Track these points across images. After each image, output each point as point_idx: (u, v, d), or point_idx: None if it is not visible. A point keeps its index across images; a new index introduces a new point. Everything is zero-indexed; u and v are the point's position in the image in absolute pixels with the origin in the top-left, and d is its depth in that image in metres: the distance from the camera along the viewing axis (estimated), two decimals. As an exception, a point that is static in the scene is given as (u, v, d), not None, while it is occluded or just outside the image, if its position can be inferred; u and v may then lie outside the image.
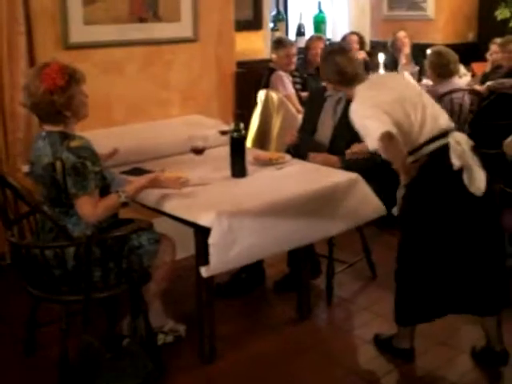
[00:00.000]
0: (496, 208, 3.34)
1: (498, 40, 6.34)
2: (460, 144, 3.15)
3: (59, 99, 3.02)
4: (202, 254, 3.11)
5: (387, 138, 3.05)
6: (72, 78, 3.07)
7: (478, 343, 3.39)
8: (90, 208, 3.01)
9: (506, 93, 5.56)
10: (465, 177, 3.09)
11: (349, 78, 3.61)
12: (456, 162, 3.08)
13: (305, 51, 6.46)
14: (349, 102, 4.07)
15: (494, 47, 6.48)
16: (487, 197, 3.13)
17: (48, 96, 3.01)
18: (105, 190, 3.13)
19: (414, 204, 3.24)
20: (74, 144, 3.02)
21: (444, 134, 3.19)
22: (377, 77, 3.45)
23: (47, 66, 3.04)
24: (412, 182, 3.18)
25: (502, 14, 7.00)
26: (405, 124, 3.17)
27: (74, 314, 3.09)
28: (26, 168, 4.16)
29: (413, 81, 3.89)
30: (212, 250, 3.01)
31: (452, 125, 3.26)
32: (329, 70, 3.69)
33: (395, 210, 3.42)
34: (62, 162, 2.97)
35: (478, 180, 3.10)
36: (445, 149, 3.14)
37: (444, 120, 3.27)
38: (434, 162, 3.17)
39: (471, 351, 3.44)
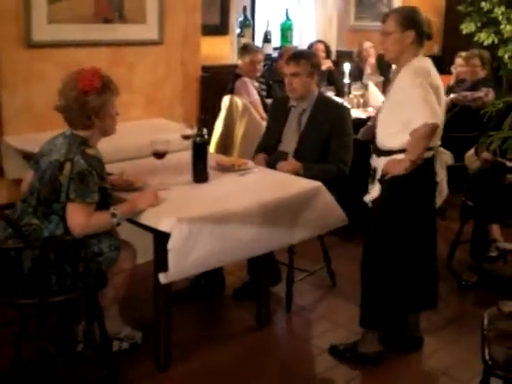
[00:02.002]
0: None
1: (463, 53, 6.41)
2: (443, 159, 3.42)
3: (92, 102, 2.99)
4: (161, 260, 3.06)
5: (432, 129, 3.10)
6: (107, 85, 3.04)
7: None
8: (82, 218, 2.93)
9: (469, 106, 5.63)
10: (438, 188, 3.38)
11: None
12: (440, 174, 3.36)
13: (277, 58, 6.43)
14: (313, 113, 4.10)
15: (458, 60, 6.54)
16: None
17: (82, 97, 2.98)
18: (103, 207, 3.05)
19: (392, 203, 3.30)
20: (89, 151, 2.99)
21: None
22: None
23: (84, 69, 3.03)
24: (397, 181, 3.20)
25: (467, 27, 7.07)
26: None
27: (29, 316, 3.01)
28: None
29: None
30: (171, 256, 2.96)
31: None
32: None
33: (367, 198, 3.44)
34: (73, 164, 2.91)
35: (443, 194, 3.42)
36: (432, 159, 3.30)
37: None
38: (424, 168, 3.26)
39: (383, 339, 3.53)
